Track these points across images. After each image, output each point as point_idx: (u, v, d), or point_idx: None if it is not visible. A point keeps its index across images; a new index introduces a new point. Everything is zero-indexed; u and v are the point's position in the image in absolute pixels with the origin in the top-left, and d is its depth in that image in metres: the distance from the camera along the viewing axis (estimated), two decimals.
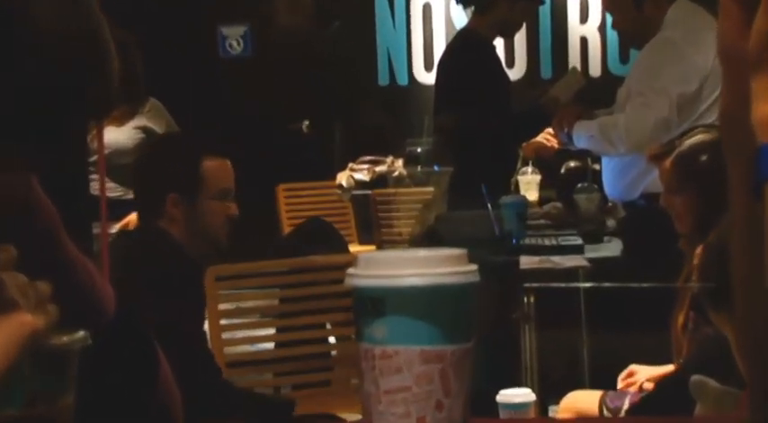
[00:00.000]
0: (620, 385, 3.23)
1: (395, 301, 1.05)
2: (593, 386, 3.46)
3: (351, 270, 1.08)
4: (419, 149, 7.03)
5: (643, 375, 3.20)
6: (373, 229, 6.85)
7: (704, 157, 3.03)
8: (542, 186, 5.41)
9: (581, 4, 8.68)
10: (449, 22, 8.65)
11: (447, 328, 1.05)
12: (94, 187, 4.01)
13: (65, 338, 1.03)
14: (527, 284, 3.68)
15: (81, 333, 1.04)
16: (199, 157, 3.04)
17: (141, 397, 1.28)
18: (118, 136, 4.72)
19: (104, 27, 1.25)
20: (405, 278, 1.04)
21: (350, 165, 7.49)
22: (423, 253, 1.07)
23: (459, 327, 1.07)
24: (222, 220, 3.07)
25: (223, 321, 3.65)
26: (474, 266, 1.07)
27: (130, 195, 4.98)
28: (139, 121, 4.89)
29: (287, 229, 7.14)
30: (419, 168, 6.69)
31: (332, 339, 4.28)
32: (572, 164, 5.22)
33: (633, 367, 3.25)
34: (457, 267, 1.06)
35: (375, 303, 1.05)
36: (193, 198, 3.02)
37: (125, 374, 1.26)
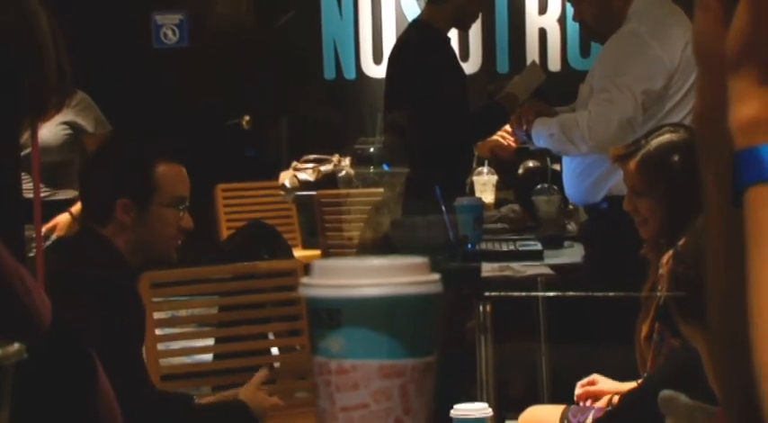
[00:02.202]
0: (578, 391, 3.24)
1: (353, 312, 1.05)
2: (554, 400, 3.49)
3: (305, 279, 1.08)
4: (371, 149, 7.01)
5: (605, 386, 3.22)
6: (319, 233, 6.85)
7: (672, 158, 3.06)
8: (499, 188, 5.43)
9: None
10: (399, 12, 8.67)
11: (408, 340, 1.06)
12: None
13: None
14: (486, 293, 3.69)
15: (16, 346, 1.04)
16: (153, 161, 3.01)
17: (79, 413, 1.28)
18: (42, 132, 4.65)
19: (41, 16, 1.25)
20: (363, 288, 1.05)
21: (293, 164, 7.49)
22: (382, 261, 1.07)
23: (421, 339, 1.07)
24: (174, 231, 3.03)
25: (158, 331, 3.64)
26: (436, 276, 1.08)
27: (57, 196, 4.96)
28: (66, 115, 4.85)
29: (225, 233, 7.12)
30: (371, 169, 6.68)
31: (275, 350, 4.28)
32: (530, 164, 5.26)
33: (595, 376, 3.27)
34: (419, 277, 1.07)
35: (331, 315, 1.06)
36: (145, 204, 2.97)
37: (63, 389, 1.26)
